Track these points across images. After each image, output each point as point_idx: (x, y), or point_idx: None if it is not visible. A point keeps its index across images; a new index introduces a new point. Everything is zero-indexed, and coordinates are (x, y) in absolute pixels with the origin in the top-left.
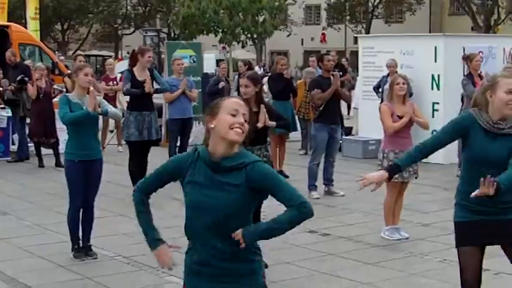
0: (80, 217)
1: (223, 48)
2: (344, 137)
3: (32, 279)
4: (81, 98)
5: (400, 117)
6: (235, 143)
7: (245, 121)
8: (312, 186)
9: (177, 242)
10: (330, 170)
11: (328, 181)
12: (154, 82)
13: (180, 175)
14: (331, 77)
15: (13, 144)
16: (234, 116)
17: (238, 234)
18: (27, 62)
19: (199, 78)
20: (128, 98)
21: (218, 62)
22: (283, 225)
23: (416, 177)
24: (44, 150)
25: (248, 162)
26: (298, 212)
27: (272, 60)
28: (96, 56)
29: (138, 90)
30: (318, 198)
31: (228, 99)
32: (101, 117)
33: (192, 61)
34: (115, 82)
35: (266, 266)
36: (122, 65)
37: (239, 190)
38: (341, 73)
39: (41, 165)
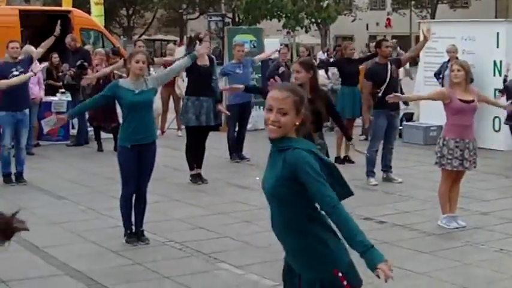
0: (133, 202)
1: (288, 33)
2: (405, 123)
3: (83, 265)
4: (134, 83)
5: (464, 101)
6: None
7: (284, 114)
8: (370, 173)
9: None
10: (389, 157)
11: (386, 168)
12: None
13: None
14: (388, 64)
15: (73, 128)
16: (269, 110)
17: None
18: (87, 47)
19: (259, 63)
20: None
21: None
22: (348, 231)
23: (475, 167)
24: (104, 135)
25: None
26: (337, 216)
27: (336, 45)
28: (161, 40)
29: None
30: (375, 184)
31: (271, 92)
32: (160, 101)
33: (252, 46)
34: None
35: None
36: (182, 51)
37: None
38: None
39: (100, 149)
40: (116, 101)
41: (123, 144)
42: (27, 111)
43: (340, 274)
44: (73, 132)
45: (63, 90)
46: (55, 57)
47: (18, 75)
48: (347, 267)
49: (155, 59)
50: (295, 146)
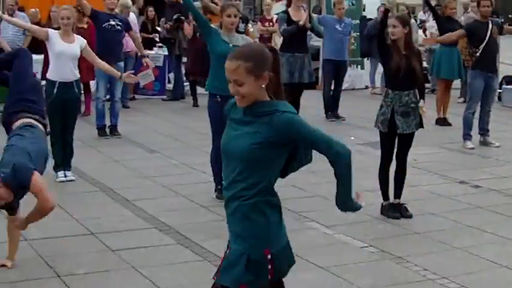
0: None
1: None
2: (505, 86)
3: (172, 219)
4: (227, 35)
5: None
6: None
7: (241, 84)
8: (467, 136)
9: None
10: (486, 120)
11: (484, 131)
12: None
13: None
14: (489, 23)
15: (169, 82)
16: (229, 82)
17: None
18: None
19: (357, 21)
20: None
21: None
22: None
23: None
24: (199, 90)
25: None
26: (340, 164)
27: (436, 4)
28: None
29: (293, 26)
30: (472, 148)
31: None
32: None
33: (351, 4)
34: (271, 23)
35: (409, 216)
36: (280, 7)
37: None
38: (502, 20)
39: (195, 104)
40: (208, 47)
41: (212, 92)
42: (121, 63)
43: (269, 257)
44: (169, 86)
45: (160, 44)
46: (150, 10)
47: (114, 25)
48: (279, 252)
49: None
50: (281, 109)
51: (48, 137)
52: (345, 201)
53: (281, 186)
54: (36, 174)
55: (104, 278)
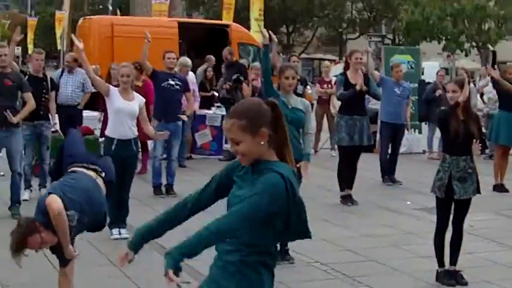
0: None
1: (448, 56)
2: None
3: None
4: (286, 97)
5: None
6: None
7: (238, 143)
8: None
9: None
10: None
11: None
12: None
13: None
14: None
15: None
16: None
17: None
18: (243, 61)
19: (416, 84)
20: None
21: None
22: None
23: None
24: None
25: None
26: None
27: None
28: (320, 59)
29: (350, 90)
30: None
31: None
32: (314, 121)
33: (409, 67)
34: (329, 85)
35: (465, 283)
36: (338, 69)
37: None
38: None
39: None
40: None
41: None
42: (179, 122)
43: None
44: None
45: (218, 104)
46: (209, 70)
47: (173, 84)
48: None
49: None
50: (274, 168)
51: None
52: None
53: (336, 250)
54: (50, 196)
55: None
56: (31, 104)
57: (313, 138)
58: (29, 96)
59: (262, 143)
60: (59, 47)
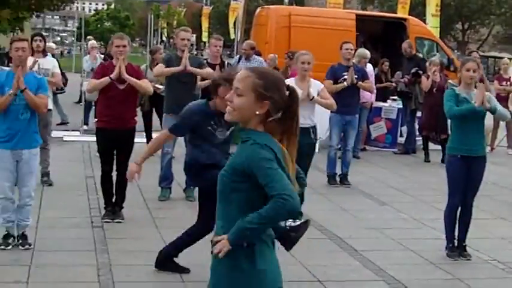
0: (457, 216)
1: None
2: None
3: (400, 273)
4: (467, 93)
5: None
6: None
7: (239, 95)
8: None
9: None
10: None
11: None
12: None
13: None
14: None
15: (401, 136)
16: None
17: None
18: (420, 55)
19: None
20: None
21: None
22: (253, 223)
23: None
24: (431, 146)
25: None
26: (273, 204)
27: None
28: (494, 57)
29: None
30: None
31: None
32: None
33: None
34: (508, 82)
35: None
36: None
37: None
38: None
39: (426, 160)
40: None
41: (452, 153)
42: (357, 114)
43: None
44: (401, 140)
45: (394, 97)
46: (385, 64)
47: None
48: None
49: None
50: (254, 138)
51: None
52: (239, 229)
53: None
54: None
55: None
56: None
57: None
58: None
59: (257, 112)
60: (232, 36)
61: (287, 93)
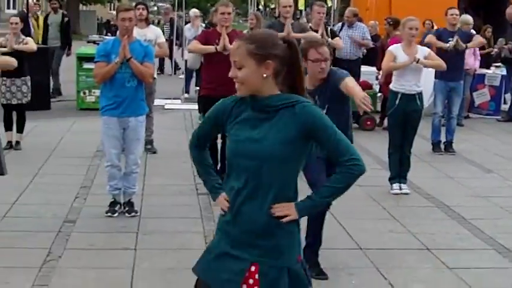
0: None
1: None
2: None
3: (510, 242)
4: None
5: None
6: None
7: (240, 67)
8: None
9: None
10: None
11: None
12: None
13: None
14: None
15: (504, 103)
16: None
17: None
18: None
19: None
20: None
21: None
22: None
23: None
24: None
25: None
26: (347, 171)
27: None
28: None
29: None
30: None
31: None
32: None
33: None
34: None
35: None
36: None
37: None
38: None
39: None
40: None
41: None
42: (461, 81)
43: (301, 262)
44: (504, 107)
45: (497, 63)
46: (488, 31)
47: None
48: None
49: None
50: (302, 100)
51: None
52: (314, 204)
53: None
54: None
55: None
56: None
57: None
58: None
59: (265, 75)
60: (329, 4)
61: (284, 45)
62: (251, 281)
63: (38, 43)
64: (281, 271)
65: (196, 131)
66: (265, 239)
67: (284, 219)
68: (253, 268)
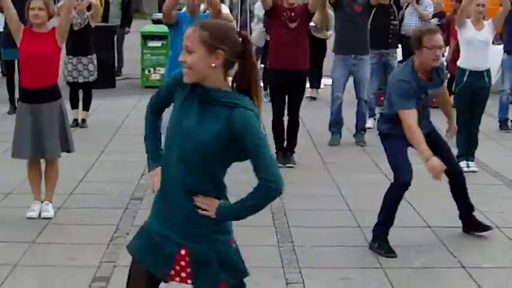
0: None
1: None
2: None
3: None
4: None
5: None
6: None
7: (191, 52)
8: None
9: None
10: None
11: None
12: None
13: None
14: None
15: None
16: None
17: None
18: None
19: None
20: None
21: None
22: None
23: None
24: None
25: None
26: (260, 194)
27: None
28: None
29: None
30: None
31: None
32: None
33: None
34: None
35: None
36: None
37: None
38: None
39: None
40: None
41: None
42: None
43: (234, 245)
44: None
45: None
46: None
47: None
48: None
49: None
50: (243, 104)
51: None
52: (225, 215)
53: None
54: None
55: None
56: None
57: None
58: None
59: (213, 65)
60: None
61: (239, 39)
62: (182, 263)
63: (100, 21)
64: (211, 254)
65: (154, 94)
66: (193, 224)
67: (201, 212)
68: (183, 252)
